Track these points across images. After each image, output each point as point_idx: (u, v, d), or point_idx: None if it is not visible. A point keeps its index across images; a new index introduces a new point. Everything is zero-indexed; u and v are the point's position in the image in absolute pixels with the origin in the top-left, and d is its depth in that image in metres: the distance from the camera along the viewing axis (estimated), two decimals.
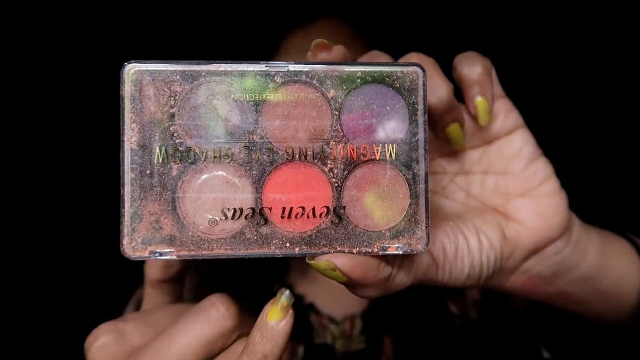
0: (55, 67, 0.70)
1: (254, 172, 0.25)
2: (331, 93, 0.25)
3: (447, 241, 0.29)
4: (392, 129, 0.25)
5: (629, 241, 0.37)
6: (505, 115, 0.32)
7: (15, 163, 0.70)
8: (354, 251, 0.25)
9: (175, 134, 0.24)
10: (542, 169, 0.32)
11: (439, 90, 0.28)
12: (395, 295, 0.31)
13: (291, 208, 0.25)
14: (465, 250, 0.30)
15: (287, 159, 0.25)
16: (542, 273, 0.33)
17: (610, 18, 0.66)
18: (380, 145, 0.25)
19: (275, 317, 0.26)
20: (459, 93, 0.32)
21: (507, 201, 0.32)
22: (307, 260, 0.25)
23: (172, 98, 0.24)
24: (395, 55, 0.32)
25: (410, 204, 0.25)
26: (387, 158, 0.25)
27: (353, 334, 0.55)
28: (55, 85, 0.71)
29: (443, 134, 0.31)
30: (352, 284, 0.25)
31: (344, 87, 0.25)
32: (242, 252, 0.25)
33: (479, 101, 0.30)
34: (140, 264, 0.33)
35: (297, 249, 0.25)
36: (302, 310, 0.56)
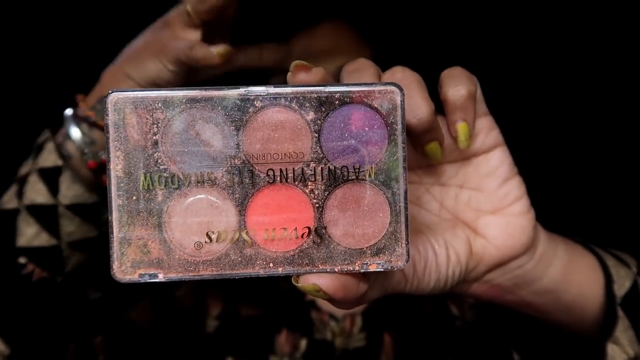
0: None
1: (237, 195, 0.25)
2: (310, 115, 0.26)
3: (418, 257, 0.30)
4: (371, 149, 0.26)
5: (595, 256, 0.37)
6: (486, 134, 0.32)
7: None
8: (336, 269, 0.26)
9: (159, 161, 0.25)
10: (515, 189, 0.32)
11: (419, 110, 0.28)
12: (396, 294, 0.32)
13: (274, 229, 0.26)
14: (434, 265, 0.31)
15: (268, 181, 0.26)
16: (503, 284, 0.34)
17: (597, 39, 0.66)
18: (360, 165, 0.26)
19: None
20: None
21: (477, 217, 0.33)
22: (293, 282, 0.26)
23: (155, 125, 0.25)
24: (398, 58, 0.32)
25: (390, 222, 0.26)
26: (367, 178, 0.26)
27: (353, 332, 0.55)
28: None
29: (422, 150, 0.31)
30: (333, 301, 0.26)
31: (323, 109, 0.26)
32: (227, 272, 0.26)
33: (460, 126, 0.30)
34: None
35: (280, 269, 0.26)
36: (303, 306, 0.57)
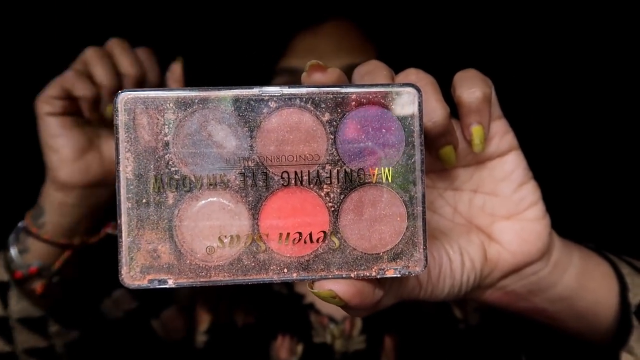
0: None
1: (250, 198, 0.25)
2: (326, 117, 0.25)
3: (432, 263, 0.30)
4: (388, 151, 0.25)
5: (610, 264, 0.36)
6: (501, 137, 0.31)
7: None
8: (352, 275, 0.25)
9: (170, 162, 0.24)
10: (530, 194, 0.32)
11: (434, 114, 0.28)
12: (409, 300, 0.32)
13: (288, 233, 0.25)
14: (448, 271, 0.30)
15: (282, 184, 0.25)
16: (517, 290, 0.33)
17: (617, 44, 0.66)
18: (377, 168, 0.25)
19: None
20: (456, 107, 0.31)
21: (492, 222, 0.32)
22: (308, 287, 0.25)
23: (166, 126, 0.24)
24: (402, 57, 0.31)
25: (407, 227, 0.25)
26: (384, 181, 0.25)
27: (353, 334, 0.55)
28: None
29: (436, 154, 0.31)
30: (348, 308, 0.25)
31: (339, 110, 0.25)
32: (240, 278, 0.25)
33: (475, 129, 0.30)
34: None
35: (295, 274, 0.25)
36: (301, 309, 0.57)
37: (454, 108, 0.31)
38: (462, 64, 0.33)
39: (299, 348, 0.54)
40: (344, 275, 0.25)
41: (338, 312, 0.56)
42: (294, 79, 0.58)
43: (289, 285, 0.58)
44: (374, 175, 0.25)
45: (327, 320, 0.56)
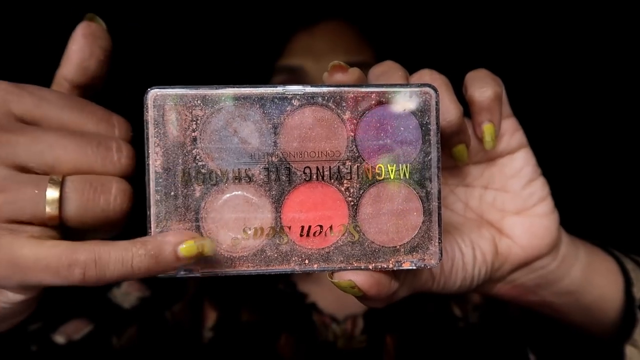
0: None
1: (274, 192, 0.26)
2: (347, 114, 0.26)
3: (445, 257, 0.31)
4: (405, 148, 0.26)
5: (615, 260, 0.38)
6: (511, 135, 0.32)
7: None
8: (370, 266, 0.26)
9: (197, 157, 0.25)
10: (539, 190, 0.33)
11: (448, 113, 0.29)
12: (423, 293, 0.33)
13: (309, 226, 0.26)
14: (461, 264, 0.31)
15: (304, 179, 0.26)
16: (526, 284, 0.35)
17: (625, 43, 0.66)
18: (395, 164, 0.26)
19: (188, 252, 0.22)
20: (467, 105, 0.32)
21: (502, 217, 0.33)
22: (328, 278, 0.26)
23: (194, 122, 0.25)
24: (399, 56, 0.32)
25: (423, 221, 0.26)
26: (401, 177, 0.26)
27: (355, 334, 0.56)
28: None
29: (449, 152, 0.32)
30: (365, 298, 0.27)
31: (359, 109, 0.26)
32: (263, 269, 0.26)
33: (486, 127, 0.31)
34: None
35: (315, 266, 0.26)
36: (304, 308, 0.58)
37: (465, 107, 0.32)
38: (459, 62, 0.33)
39: (303, 346, 0.55)
40: (362, 267, 0.26)
41: (340, 312, 0.57)
42: (292, 77, 0.59)
43: (291, 284, 0.59)
44: (391, 171, 0.26)
45: (329, 319, 0.57)
